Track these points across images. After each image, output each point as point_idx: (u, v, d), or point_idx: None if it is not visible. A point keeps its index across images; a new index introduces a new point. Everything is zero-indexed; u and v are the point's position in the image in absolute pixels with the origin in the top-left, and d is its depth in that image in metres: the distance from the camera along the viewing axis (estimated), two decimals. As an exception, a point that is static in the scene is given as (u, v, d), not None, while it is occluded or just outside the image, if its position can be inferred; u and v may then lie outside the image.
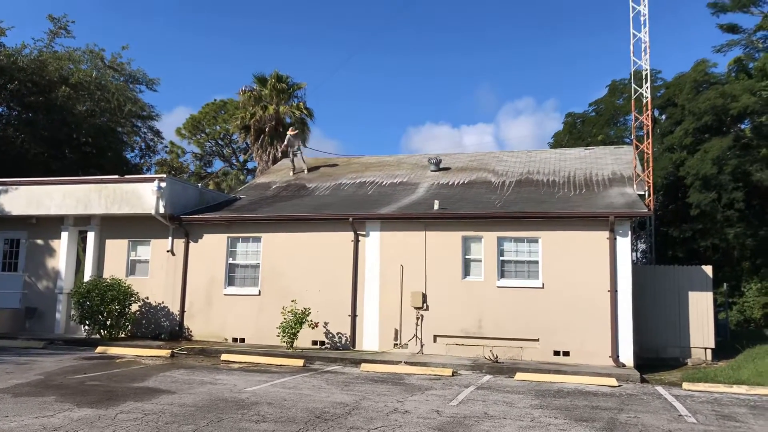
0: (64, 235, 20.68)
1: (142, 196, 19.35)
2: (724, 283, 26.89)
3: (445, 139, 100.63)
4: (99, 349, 16.94)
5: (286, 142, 26.02)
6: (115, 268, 19.97)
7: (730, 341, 20.62)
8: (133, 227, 20.11)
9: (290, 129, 26.28)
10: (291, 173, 25.62)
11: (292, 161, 26.07)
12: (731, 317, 28.54)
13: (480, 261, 17.17)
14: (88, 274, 19.96)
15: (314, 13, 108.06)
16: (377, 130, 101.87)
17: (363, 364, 15.01)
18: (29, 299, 20.75)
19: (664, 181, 31.50)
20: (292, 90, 37.65)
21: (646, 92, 21.41)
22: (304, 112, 37.31)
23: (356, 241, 18.01)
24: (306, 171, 25.58)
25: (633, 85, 22.29)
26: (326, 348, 17.78)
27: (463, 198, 19.64)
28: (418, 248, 17.49)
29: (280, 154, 34.50)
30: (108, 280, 18.80)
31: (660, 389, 12.92)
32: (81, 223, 20.68)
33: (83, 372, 12.99)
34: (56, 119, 30.16)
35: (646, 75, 21.50)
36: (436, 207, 17.80)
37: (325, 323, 17.91)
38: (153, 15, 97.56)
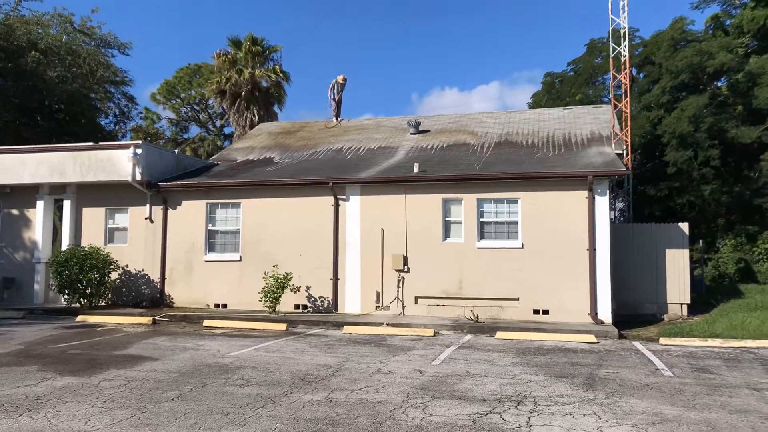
0: (40, 204, 20.38)
1: (118, 163, 19.06)
2: (700, 240, 27.32)
3: (429, 106, 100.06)
4: (79, 317, 16.86)
5: (338, 89, 26.33)
6: (93, 237, 19.76)
7: (706, 297, 21.05)
8: (110, 195, 19.86)
9: (340, 76, 26.51)
10: (334, 120, 26.36)
11: (338, 108, 26.57)
12: (706, 273, 29.08)
13: (460, 223, 17.24)
14: (65, 243, 19.75)
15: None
16: (357, 95, 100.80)
17: (345, 327, 15.12)
18: (6, 269, 20.49)
19: (641, 139, 31.68)
20: (268, 53, 37.10)
21: (624, 51, 21.35)
22: (280, 75, 36.85)
23: (336, 206, 17.97)
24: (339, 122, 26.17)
25: (611, 44, 22.20)
26: (309, 312, 17.87)
27: (443, 160, 19.61)
28: (398, 211, 17.51)
29: (256, 119, 34.14)
30: (86, 249, 18.62)
31: (637, 344, 13.19)
32: (56, 191, 20.37)
33: (64, 341, 12.93)
34: (26, 86, 29.44)
35: (624, 33, 21.41)
36: (416, 170, 17.78)
37: (307, 287, 17.96)
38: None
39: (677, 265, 18.06)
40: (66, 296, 18.87)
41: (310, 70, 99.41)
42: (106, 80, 35.96)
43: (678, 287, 18.02)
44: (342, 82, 26.21)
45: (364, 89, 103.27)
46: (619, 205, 33.89)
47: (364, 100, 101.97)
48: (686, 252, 18.21)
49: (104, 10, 66.72)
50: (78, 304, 18.70)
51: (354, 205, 17.91)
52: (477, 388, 8.65)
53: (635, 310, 18.00)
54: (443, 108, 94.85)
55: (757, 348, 12.72)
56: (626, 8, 21.07)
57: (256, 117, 35.11)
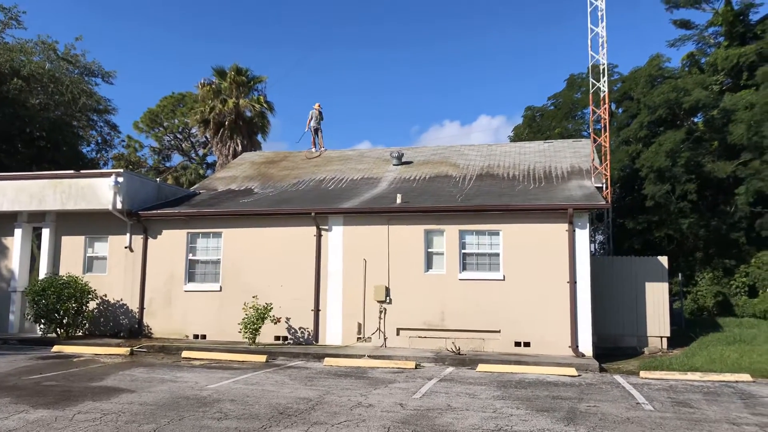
0: (18, 231, 20.13)
1: (99, 191, 18.93)
2: (679, 273, 27.57)
3: (412, 137, 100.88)
4: (55, 348, 16.56)
5: (316, 119, 26.78)
6: (71, 266, 19.51)
7: (685, 330, 21.21)
8: (89, 223, 19.68)
9: (316, 105, 27.10)
10: (314, 150, 26.66)
11: (315, 139, 26.93)
12: (686, 306, 29.28)
13: (442, 254, 17.28)
14: (43, 272, 19.47)
15: (273, 8, 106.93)
16: (341, 126, 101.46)
17: (326, 359, 14.99)
18: (-19, 298, 20.12)
19: (620, 173, 32.13)
20: (252, 83, 37.29)
21: (603, 86, 21.74)
22: (265, 105, 37.02)
23: (318, 236, 17.95)
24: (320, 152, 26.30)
25: (591, 79, 22.61)
26: (289, 343, 17.70)
27: (426, 192, 19.73)
28: (380, 242, 17.52)
29: (239, 148, 34.17)
30: (64, 278, 18.36)
31: (618, 378, 13.21)
32: (35, 219, 20.14)
33: (39, 372, 12.68)
34: (8, 113, 29.28)
35: (604, 69, 21.83)
36: (398, 201, 17.84)
37: (287, 318, 17.83)
38: (108, 8, 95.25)
39: (657, 298, 18.20)
40: (42, 326, 18.54)
41: (296, 100, 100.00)
42: (89, 108, 35.92)
43: (658, 320, 18.13)
44: (318, 110, 26.76)
45: (364, 120, 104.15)
46: (599, 237, 34.20)
47: (363, 131, 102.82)
48: (665, 285, 18.37)
49: (88, 38, 67.08)
50: (54, 334, 18.37)
51: (336, 235, 17.90)
52: (458, 422, 8.59)
53: (615, 343, 18.06)
54: (440, 140, 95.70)
55: (736, 382, 12.81)
56: (605, 45, 21.50)
57: (240, 146, 35.13)
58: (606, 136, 21.23)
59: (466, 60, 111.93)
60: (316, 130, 26.90)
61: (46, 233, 19.90)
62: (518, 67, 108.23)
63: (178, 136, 51.47)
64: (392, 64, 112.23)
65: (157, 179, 24.49)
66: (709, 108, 31.44)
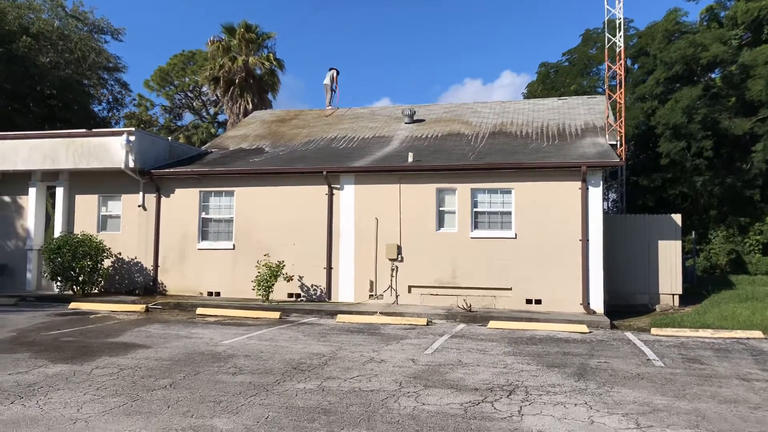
0: (32, 191, 20.28)
1: (111, 150, 18.96)
2: (692, 231, 27.44)
3: (432, 97, 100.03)
4: (72, 305, 16.83)
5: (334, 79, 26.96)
6: (85, 224, 19.69)
7: (697, 287, 21.17)
8: (103, 182, 19.78)
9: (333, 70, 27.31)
10: (332, 108, 26.67)
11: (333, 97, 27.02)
12: (698, 264, 29.22)
13: (454, 213, 17.26)
14: (58, 231, 19.67)
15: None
16: (360, 85, 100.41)
17: (339, 316, 15.15)
18: (-2, 256, 20.43)
19: (635, 130, 31.72)
20: (262, 40, 36.88)
21: (619, 41, 21.32)
22: (274, 63, 36.68)
23: (330, 195, 17.95)
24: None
25: (606, 34, 22.18)
26: (302, 300, 17.88)
27: (438, 150, 19.60)
28: (392, 201, 17.50)
29: (251, 106, 34.04)
30: (79, 236, 18.55)
31: (629, 335, 13.27)
32: (49, 178, 20.26)
33: (56, 328, 12.91)
34: (18, 71, 29.22)
35: (620, 24, 21.38)
36: (410, 160, 17.76)
37: (300, 276, 17.97)
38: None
39: (669, 256, 18.14)
40: (59, 283, 18.82)
41: (304, 59, 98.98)
42: (99, 66, 35.77)
43: (670, 278, 18.11)
44: (336, 72, 26.76)
45: (383, 80, 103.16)
46: (612, 195, 33.97)
47: (383, 90, 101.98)
48: (678, 243, 18.28)
49: (97, -5, 66.18)
50: (71, 292, 18.66)
51: (348, 194, 17.89)
52: (469, 378, 8.69)
53: (627, 301, 18.09)
54: (462, 99, 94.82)
55: (747, 338, 12.82)
56: (622, -1, 21.02)
57: (250, 105, 34.96)
58: (621, 93, 20.93)
59: (481, 18, 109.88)
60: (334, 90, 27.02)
61: (60, 192, 20.04)
62: (534, 24, 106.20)
63: (189, 94, 51.27)
64: (408, 22, 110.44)
65: (169, 138, 24.48)
66: (727, 63, 30.79)
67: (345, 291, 17.78)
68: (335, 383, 8.22)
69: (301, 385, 8.07)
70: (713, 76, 32.95)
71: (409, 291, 17.37)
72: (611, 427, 6.46)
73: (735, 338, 12.85)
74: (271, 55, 36.66)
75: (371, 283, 17.58)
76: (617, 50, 21.46)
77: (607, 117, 20.38)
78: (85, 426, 6.27)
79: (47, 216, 20.55)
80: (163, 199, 19.34)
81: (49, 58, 32.27)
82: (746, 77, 29.87)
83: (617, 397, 7.71)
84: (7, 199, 20.73)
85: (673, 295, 18.11)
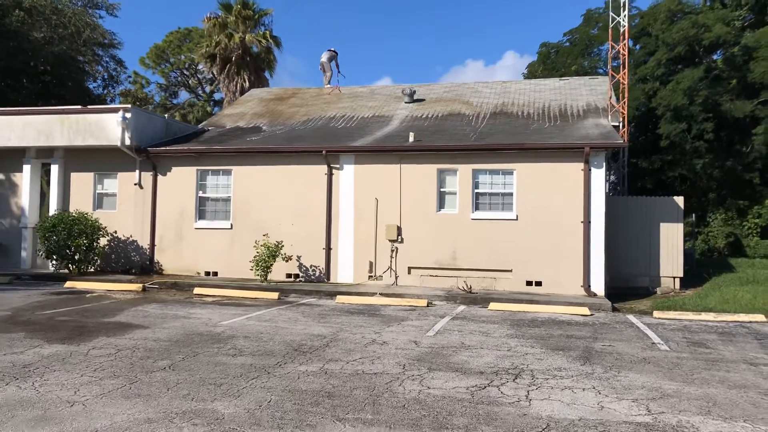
0: (26, 168, 19.99)
1: (107, 127, 18.65)
2: (692, 214, 27.34)
3: (434, 77, 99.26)
4: (68, 284, 16.64)
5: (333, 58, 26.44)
6: (81, 202, 19.43)
7: (696, 270, 21.09)
8: (98, 160, 19.49)
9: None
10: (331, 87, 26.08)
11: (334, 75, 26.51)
12: (696, 247, 29.16)
13: (455, 194, 17.06)
14: (53, 209, 19.42)
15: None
16: (353, 63, 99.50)
17: (338, 296, 15.00)
18: (-7, 234, 20.18)
19: (635, 112, 31.46)
20: (258, 17, 36.33)
21: (623, 20, 21.01)
22: (271, 41, 36.17)
23: (330, 174, 17.72)
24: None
25: (610, 14, 21.87)
26: (301, 281, 17.72)
27: (438, 130, 19.35)
28: (392, 181, 17.29)
29: (247, 84, 33.66)
30: (74, 214, 18.30)
31: (631, 318, 13.16)
32: (44, 155, 19.96)
33: (52, 307, 12.73)
34: (11, 46, 28.70)
35: (624, 2, 21.07)
36: (411, 140, 17.52)
37: (299, 257, 17.79)
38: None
39: (671, 238, 18.02)
40: (54, 262, 18.62)
41: (303, 37, 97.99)
42: (94, 42, 35.19)
43: (671, 261, 18.00)
44: (335, 53, 26.38)
45: (384, 60, 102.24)
46: (611, 177, 33.79)
47: (384, 70, 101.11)
48: (680, 226, 18.15)
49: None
50: (66, 270, 18.46)
51: (348, 174, 17.67)
52: (473, 360, 8.55)
53: (628, 283, 17.98)
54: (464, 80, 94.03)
55: (750, 322, 12.73)
56: (626, -23, 20.69)
57: (247, 83, 34.51)
58: (624, 73, 20.67)
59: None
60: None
61: (54, 169, 19.75)
62: (535, 3, 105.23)
63: (185, 72, 50.72)
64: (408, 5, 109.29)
65: (165, 115, 24.18)
66: (730, 45, 30.50)
67: (344, 272, 17.62)
68: (338, 366, 8.07)
69: (303, 368, 7.92)
70: (715, 57, 32.64)
71: (409, 272, 17.22)
72: (622, 412, 6.32)
73: (738, 322, 12.76)
74: (267, 32, 36.13)
75: (371, 264, 17.42)
76: (621, 29, 21.16)
77: (610, 98, 20.15)
78: (82, 409, 6.10)
79: (42, 194, 20.28)
80: (160, 177, 19.08)
81: (42, 33, 31.69)
82: (749, 59, 29.58)
83: (625, 381, 7.58)
84: (1, 176, 20.43)
85: (674, 278, 18.01)
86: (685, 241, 23.87)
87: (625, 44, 20.74)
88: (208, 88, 50.41)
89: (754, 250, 28.71)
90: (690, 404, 6.68)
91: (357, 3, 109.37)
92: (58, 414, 5.93)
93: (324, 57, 26.32)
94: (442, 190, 17.18)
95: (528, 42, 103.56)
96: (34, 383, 6.96)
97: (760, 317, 12.99)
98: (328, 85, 26.12)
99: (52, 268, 19.01)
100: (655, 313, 13.55)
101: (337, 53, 26.36)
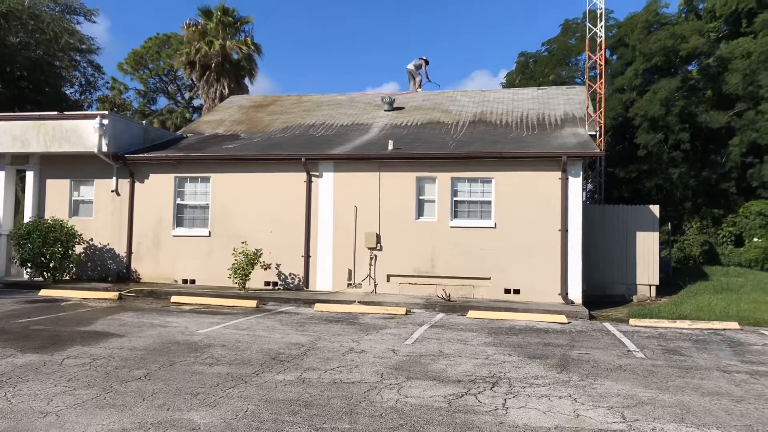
0: (1, 174, 19.69)
1: (84, 133, 18.46)
2: (668, 223, 27.68)
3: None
4: (42, 292, 16.40)
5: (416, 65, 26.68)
6: (57, 209, 19.19)
7: (672, 278, 21.34)
8: (75, 166, 19.27)
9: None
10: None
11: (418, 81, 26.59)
12: (672, 255, 29.51)
13: (434, 201, 17.12)
14: (28, 215, 19.15)
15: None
16: (329, 71, 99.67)
17: (317, 305, 14.95)
18: (-35, 242, 19.82)
19: (612, 122, 31.86)
20: (239, 24, 36.32)
21: (600, 32, 21.30)
22: (252, 48, 36.16)
23: (309, 182, 17.69)
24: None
25: (587, 24, 22.15)
26: (279, 289, 17.65)
27: (417, 138, 19.42)
28: (372, 189, 17.31)
29: (227, 91, 33.55)
30: (49, 221, 18.07)
31: (608, 325, 13.28)
32: (19, 161, 19.69)
33: (26, 316, 12.54)
34: (-14, 51, 28.36)
35: (601, 14, 21.36)
36: (390, 147, 17.56)
37: (278, 264, 17.72)
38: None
39: (647, 247, 18.22)
40: (29, 270, 18.35)
41: (283, 45, 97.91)
42: (72, 47, 34.83)
43: (647, 269, 18.20)
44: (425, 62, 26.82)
45: (360, 70, 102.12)
46: (588, 186, 34.13)
47: (358, 80, 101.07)
48: (656, 234, 18.37)
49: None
50: (41, 278, 18.21)
51: (327, 181, 17.66)
52: (451, 369, 8.57)
53: (604, 291, 18.16)
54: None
55: (724, 329, 12.91)
56: (603, -12, 20.98)
57: (226, 90, 34.43)
58: (601, 83, 20.94)
59: (458, 5, 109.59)
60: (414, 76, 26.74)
61: (30, 176, 19.50)
62: (514, 13, 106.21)
63: (164, 78, 50.44)
64: (386, 7, 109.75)
65: (143, 122, 23.97)
66: (705, 56, 31.05)
67: (323, 279, 17.58)
68: (315, 374, 8.04)
69: (280, 377, 7.88)
70: (690, 68, 33.19)
71: (388, 280, 17.23)
72: (597, 420, 6.38)
73: (712, 329, 12.93)
74: (248, 39, 36.12)
75: (350, 271, 17.40)
76: (598, 40, 21.45)
77: (587, 107, 20.38)
78: (56, 420, 6.01)
79: (17, 200, 20.01)
80: (137, 184, 18.91)
81: (19, 38, 31.31)
82: (723, 70, 30.15)
83: (601, 389, 7.64)
84: (-26, 182, 20.11)
85: (650, 285, 18.21)
86: (661, 249, 24.17)
87: (602, 55, 21.03)
88: (187, 95, 50.17)
89: (728, 258, 29.12)
90: (664, 411, 6.75)
91: (340, 12, 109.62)
92: (31, 425, 5.84)
93: (411, 65, 26.52)
94: (421, 198, 17.23)
95: (506, 52, 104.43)
96: (6, 393, 6.85)
97: (734, 325, 13.19)
98: (419, 90, 26.12)
99: (26, 276, 18.74)
100: (631, 321, 13.69)
101: (428, 62, 26.73)
